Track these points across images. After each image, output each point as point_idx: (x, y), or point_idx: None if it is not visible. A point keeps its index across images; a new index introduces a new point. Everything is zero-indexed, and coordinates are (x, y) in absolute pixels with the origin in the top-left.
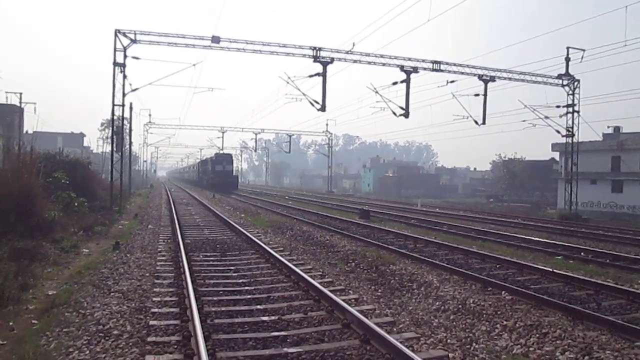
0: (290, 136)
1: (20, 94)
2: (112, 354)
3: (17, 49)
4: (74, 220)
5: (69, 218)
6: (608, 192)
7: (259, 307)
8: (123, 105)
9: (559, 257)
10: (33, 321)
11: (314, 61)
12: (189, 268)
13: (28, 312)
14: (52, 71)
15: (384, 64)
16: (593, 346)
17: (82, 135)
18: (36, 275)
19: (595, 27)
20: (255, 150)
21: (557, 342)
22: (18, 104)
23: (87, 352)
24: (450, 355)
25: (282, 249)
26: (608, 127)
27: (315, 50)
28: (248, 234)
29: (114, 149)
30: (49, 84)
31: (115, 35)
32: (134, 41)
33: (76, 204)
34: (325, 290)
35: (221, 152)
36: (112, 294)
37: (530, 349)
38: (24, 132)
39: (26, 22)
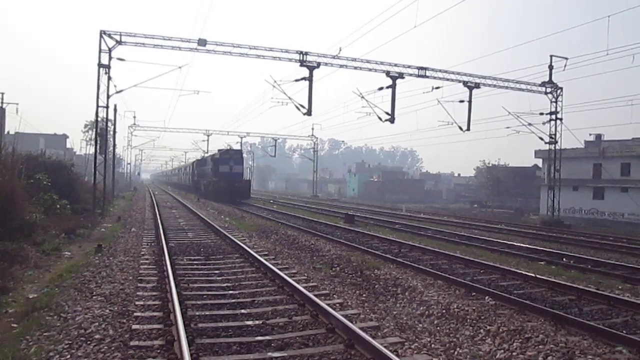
0: (275, 140)
1: (2, 94)
2: (94, 359)
3: None
4: (56, 222)
5: (51, 220)
6: (589, 199)
7: (243, 311)
8: (107, 107)
9: (542, 263)
10: (13, 325)
11: (301, 65)
12: (173, 272)
13: (8, 316)
14: (34, 70)
15: (370, 70)
16: (575, 351)
17: (65, 136)
18: (16, 278)
19: (578, 37)
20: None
21: (540, 346)
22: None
23: (68, 356)
24: None
25: (266, 253)
26: (590, 134)
27: (301, 55)
28: (232, 238)
29: (98, 151)
30: (31, 83)
31: (100, 36)
32: (119, 42)
33: (58, 206)
34: (310, 295)
35: (228, 147)
36: (94, 297)
37: (514, 353)
38: (6, 132)
39: (8, 19)
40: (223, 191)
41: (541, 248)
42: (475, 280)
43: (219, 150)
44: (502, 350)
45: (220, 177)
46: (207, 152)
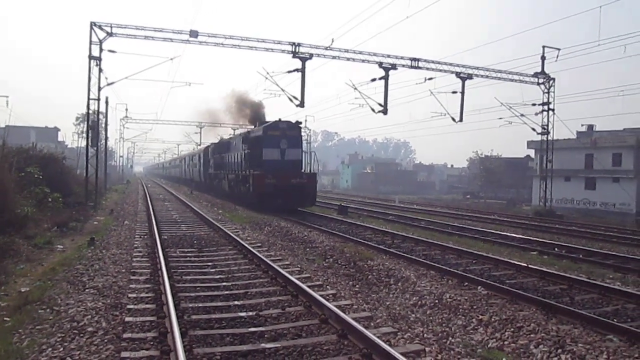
0: None
1: None
2: (87, 351)
3: None
4: (48, 216)
5: (43, 214)
6: (581, 189)
7: (236, 303)
8: (99, 100)
9: (534, 253)
10: (5, 318)
11: (293, 57)
12: (166, 264)
13: (0, 310)
14: (25, 63)
15: (363, 61)
16: (566, 339)
17: (56, 129)
18: (8, 272)
19: (570, 27)
20: None
21: (531, 335)
22: None
23: (61, 349)
24: (427, 349)
25: (259, 244)
26: (582, 125)
27: (294, 46)
28: (226, 230)
29: (89, 143)
30: (22, 76)
31: (91, 27)
32: (110, 34)
33: (50, 200)
34: (303, 286)
35: (280, 119)
36: (87, 290)
37: (505, 342)
38: None
39: None
40: (270, 192)
41: (533, 238)
42: (467, 270)
43: (261, 123)
44: (494, 340)
45: (266, 168)
46: (200, 144)
